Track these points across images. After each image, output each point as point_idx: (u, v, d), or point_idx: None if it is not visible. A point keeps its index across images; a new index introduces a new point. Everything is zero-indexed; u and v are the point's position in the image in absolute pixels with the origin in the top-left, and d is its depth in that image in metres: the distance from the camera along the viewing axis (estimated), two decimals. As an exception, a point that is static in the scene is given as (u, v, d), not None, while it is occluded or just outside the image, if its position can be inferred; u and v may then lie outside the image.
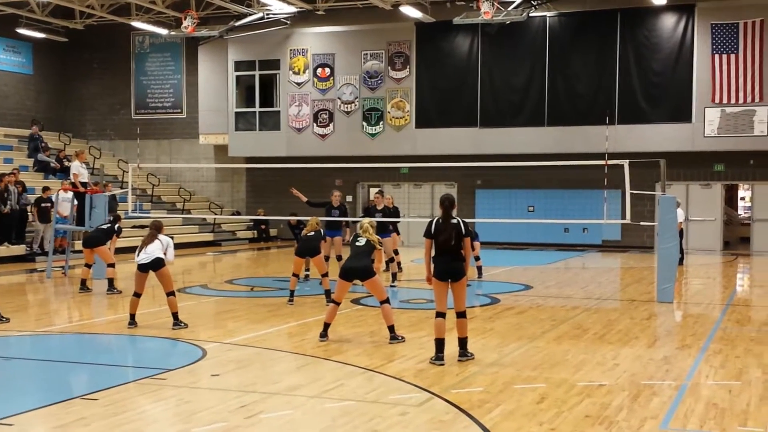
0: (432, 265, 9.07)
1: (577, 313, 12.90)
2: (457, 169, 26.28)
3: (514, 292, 15.54)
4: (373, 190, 29.94)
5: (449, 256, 8.95)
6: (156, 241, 11.27)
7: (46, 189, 21.66)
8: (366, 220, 10.89)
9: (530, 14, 25.10)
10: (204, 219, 28.62)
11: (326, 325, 10.30)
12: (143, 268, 11.21)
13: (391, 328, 10.18)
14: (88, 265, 15.29)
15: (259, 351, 9.73)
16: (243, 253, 25.91)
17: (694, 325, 11.93)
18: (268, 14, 27.22)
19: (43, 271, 18.08)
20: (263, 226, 29.82)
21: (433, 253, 9.14)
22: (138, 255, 11.27)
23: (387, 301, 10.17)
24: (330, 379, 8.25)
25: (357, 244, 10.33)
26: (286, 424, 6.77)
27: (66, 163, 25.64)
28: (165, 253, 11.29)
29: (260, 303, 14.06)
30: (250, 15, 27.08)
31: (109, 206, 17.09)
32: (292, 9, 26.70)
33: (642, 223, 19.75)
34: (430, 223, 9.15)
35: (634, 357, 9.48)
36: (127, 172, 22.14)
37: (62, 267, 18.10)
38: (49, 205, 20.73)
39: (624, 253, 25.37)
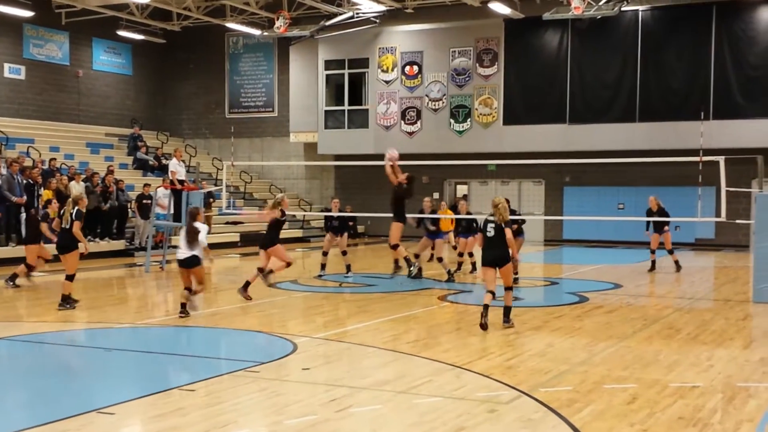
0: None
1: (669, 312, 12.66)
2: (545, 166, 25.99)
3: (603, 290, 15.32)
4: (461, 188, 29.87)
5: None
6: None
7: (146, 186, 22.41)
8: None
9: (622, 8, 24.63)
10: (294, 216, 29.09)
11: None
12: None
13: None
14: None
15: (348, 346, 9.90)
16: (332, 249, 26.17)
17: (793, 327, 11.58)
18: (357, 13, 27.50)
19: (141, 265, 18.74)
20: (351, 223, 30.04)
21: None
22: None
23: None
24: (418, 375, 8.33)
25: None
26: (376, 418, 6.88)
27: (163, 161, 26.45)
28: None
29: (348, 299, 14.28)
30: (341, 14, 27.41)
31: (204, 202, 17.57)
32: (382, 8, 26.90)
33: (738, 222, 19.17)
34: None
35: (730, 358, 9.27)
36: (222, 169, 22.70)
37: (159, 261, 18.72)
38: (149, 201, 21.43)
39: (718, 251, 24.66)
